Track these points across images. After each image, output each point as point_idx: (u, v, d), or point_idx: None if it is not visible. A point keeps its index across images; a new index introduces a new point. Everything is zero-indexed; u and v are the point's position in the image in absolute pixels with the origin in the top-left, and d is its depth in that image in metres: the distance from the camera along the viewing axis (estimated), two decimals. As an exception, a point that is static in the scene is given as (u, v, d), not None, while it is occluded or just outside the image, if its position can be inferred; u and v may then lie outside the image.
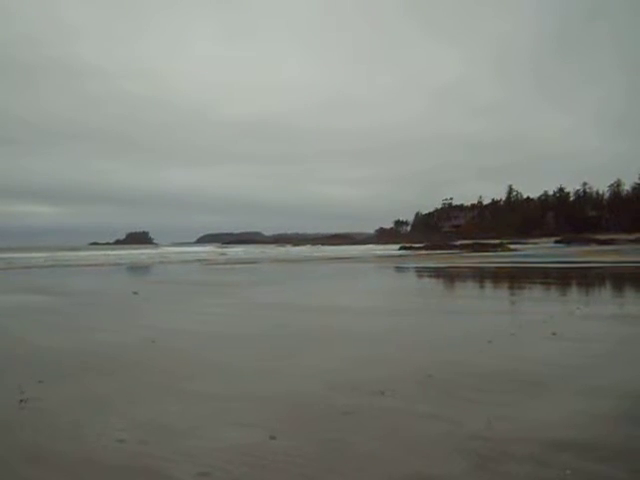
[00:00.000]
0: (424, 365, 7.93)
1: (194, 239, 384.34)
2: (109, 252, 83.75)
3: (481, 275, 30.63)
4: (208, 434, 5.41)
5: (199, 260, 58.12)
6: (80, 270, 41.51)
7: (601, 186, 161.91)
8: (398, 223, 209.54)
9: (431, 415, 5.78)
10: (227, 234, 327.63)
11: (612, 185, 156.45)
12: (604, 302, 16.25)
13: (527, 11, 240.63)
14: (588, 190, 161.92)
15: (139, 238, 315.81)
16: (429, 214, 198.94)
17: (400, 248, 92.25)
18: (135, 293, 19.78)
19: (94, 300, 18.55)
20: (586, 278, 26.67)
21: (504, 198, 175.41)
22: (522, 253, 61.24)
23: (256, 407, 6.23)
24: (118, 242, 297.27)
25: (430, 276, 31.41)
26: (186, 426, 5.64)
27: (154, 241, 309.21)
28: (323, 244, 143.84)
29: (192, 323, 12.77)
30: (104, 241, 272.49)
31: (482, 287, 23.89)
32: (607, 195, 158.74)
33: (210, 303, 17.02)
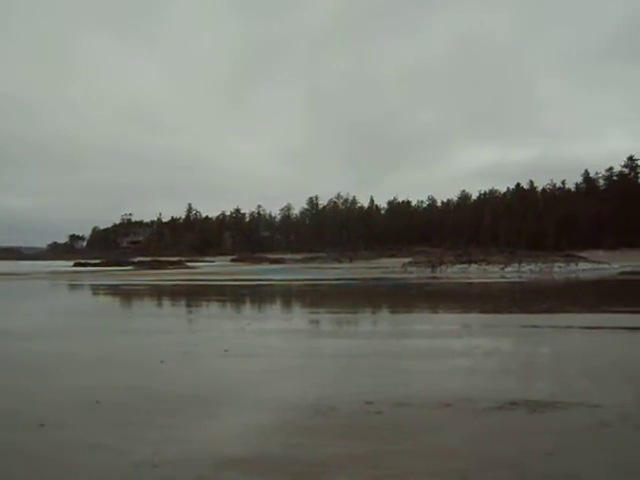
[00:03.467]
0: (92, 390, 7.44)
1: None
2: None
3: (158, 293, 30.40)
4: None
5: None
6: None
7: (274, 209, 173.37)
8: (74, 238, 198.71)
9: (96, 445, 5.38)
10: None
11: (283, 209, 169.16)
12: (273, 318, 17.23)
13: (225, 35, 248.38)
14: (262, 212, 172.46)
15: None
16: (107, 229, 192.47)
17: (75, 264, 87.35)
18: None
19: None
20: (257, 295, 28.09)
21: (184, 216, 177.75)
22: (200, 270, 62.45)
23: None
24: None
25: (105, 294, 30.27)
26: None
27: None
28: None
29: None
30: None
31: (158, 305, 23.70)
32: (279, 218, 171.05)
33: None
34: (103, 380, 8.21)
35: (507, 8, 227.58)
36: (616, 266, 45.90)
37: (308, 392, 7.28)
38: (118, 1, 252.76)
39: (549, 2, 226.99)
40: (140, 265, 79.56)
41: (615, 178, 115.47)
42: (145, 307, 22.64)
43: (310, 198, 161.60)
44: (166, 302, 25.31)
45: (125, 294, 29.50)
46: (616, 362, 9.10)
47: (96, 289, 33.78)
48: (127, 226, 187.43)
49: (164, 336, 12.81)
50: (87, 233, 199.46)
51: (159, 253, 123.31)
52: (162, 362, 9.43)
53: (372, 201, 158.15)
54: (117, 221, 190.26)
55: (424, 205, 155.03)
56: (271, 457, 5.04)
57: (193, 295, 28.13)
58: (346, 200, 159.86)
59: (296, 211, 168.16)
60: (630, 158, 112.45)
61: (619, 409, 6.21)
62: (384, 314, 18.74)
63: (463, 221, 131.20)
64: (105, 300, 26.89)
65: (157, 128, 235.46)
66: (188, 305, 22.84)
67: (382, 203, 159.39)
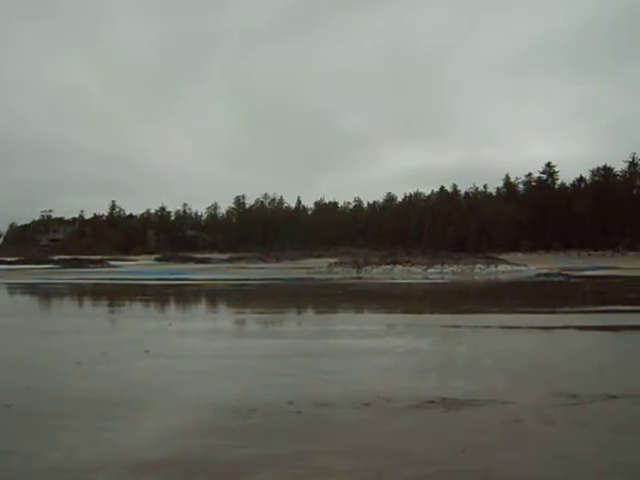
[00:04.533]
0: (2, 393, 7.17)
1: None
2: None
3: (78, 292, 29.54)
4: None
5: None
6: None
7: (200, 208, 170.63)
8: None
9: (6, 451, 5.18)
10: None
11: (210, 208, 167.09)
12: (196, 318, 17.03)
13: (156, 31, 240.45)
14: (188, 211, 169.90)
15: None
16: (26, 226, 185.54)
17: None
18: None
19: None
20: (181, 295, 27.70)
21: (107, 214, 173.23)
22: (122, 270, 61.08)
23: None
24: None
25: (22, 293, 29.20)
26: None
27: None
28: None
29: None
30: None
31: (78, 305, 23.05)
32: (205, 217, 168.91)
33: None
34: (15, 383, 7.92)
35: (439, 15, 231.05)
36: (533, 268, 47.54)
37: (228, 393, 7.24)
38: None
39: (478, 11, 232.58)
40: (60, 263, 77.14)
41: (534, 183, 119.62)
42: (64, 307, 21.97)
43: (237, 197, 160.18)
44: (86, 302, 24.63)
45: (43, 293, 28.54)
46: (530, 360, 9.44)
47: (12, 288, 32.54)
48: (47, 223, 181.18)
49: (83, 336, 12.47)
50: (4, 229, 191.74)
51: (80, 251, 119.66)
52: (79, 363, 9.18)
53: (299, 202, 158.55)
54: (36, 217, 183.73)
55: (351, 206, 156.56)
56: (189, 459, 4.99)
57: (115, 295, 27.47)
58: (273, 200, 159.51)
59: (223, 210, 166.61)
60: (548, 164, 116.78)
61: (531, 405, 6.46)
62: (308, 314, 18.82)
63: (389, 223, 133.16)
64: (22, 299, 25.96)
65: (80, 122, 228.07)
66: (109, 305, 22.30)
67: (310, 204, 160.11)
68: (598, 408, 6.37)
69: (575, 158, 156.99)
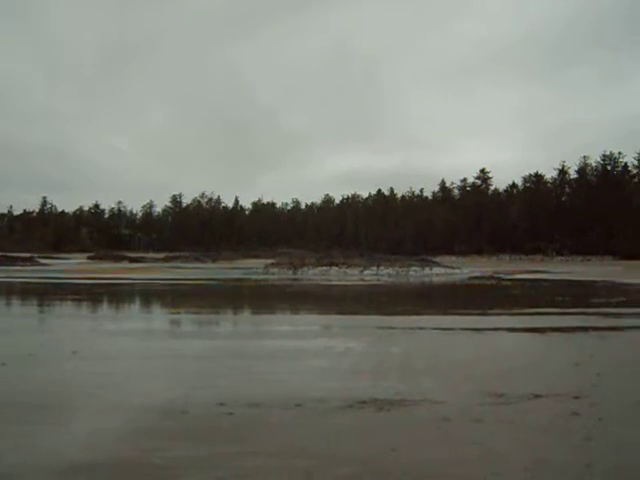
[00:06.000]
0: None
1: None
2: None
3: (6, 291, 28.60)
4: None
5: None
6: None
7: (136, 206, 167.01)
8: None
9: None
10: None
11: (145, 206, 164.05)
12: (128, 318, 16.71)
13: (96, 24, 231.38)
14: (123, 209, 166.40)
15: None
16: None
17: None
18: None
19: None
20: (113, 294, 27.14)
21: (37, 210, 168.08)
22: (53, 268, 59.31)
23: None
24: None
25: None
26: None
27: None
28: None
29: None
30: None
31: (6, 303, 22.30)
32: (140, 215, 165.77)
33: None
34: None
35: (384, 18, 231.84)
36: (466, 271, 48.69)
37: (160, 395, 7.11)
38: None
39: (423, 15, 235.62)
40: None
41: (468, 189, 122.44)
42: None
43: (174, 196, 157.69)
44: (14, 301, 23.83)
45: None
46: (462, 361, 9.64)
47: None
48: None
49: (7, 337, 12.06)
50: None
51: (9, 248, 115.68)
52: (3, 364, 8.86)
53: (237, 201, 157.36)
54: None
55: (288, 207, 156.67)
56: (119, 462, 4.90)
57: (45, 294, 26.66)
58: (210, 199, 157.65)
59: (159, 209, 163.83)
60: (482, 170, 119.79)
61: (460, 405, 6.58)
62: (243, 315, 18.74)
63: (326, 224, 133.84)
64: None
65: (11, 115, 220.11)
66: (38, 305, 21.64)
67: (247, 204, 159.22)
68: (524, 407, 6.55)
69: (508, 164, 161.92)
